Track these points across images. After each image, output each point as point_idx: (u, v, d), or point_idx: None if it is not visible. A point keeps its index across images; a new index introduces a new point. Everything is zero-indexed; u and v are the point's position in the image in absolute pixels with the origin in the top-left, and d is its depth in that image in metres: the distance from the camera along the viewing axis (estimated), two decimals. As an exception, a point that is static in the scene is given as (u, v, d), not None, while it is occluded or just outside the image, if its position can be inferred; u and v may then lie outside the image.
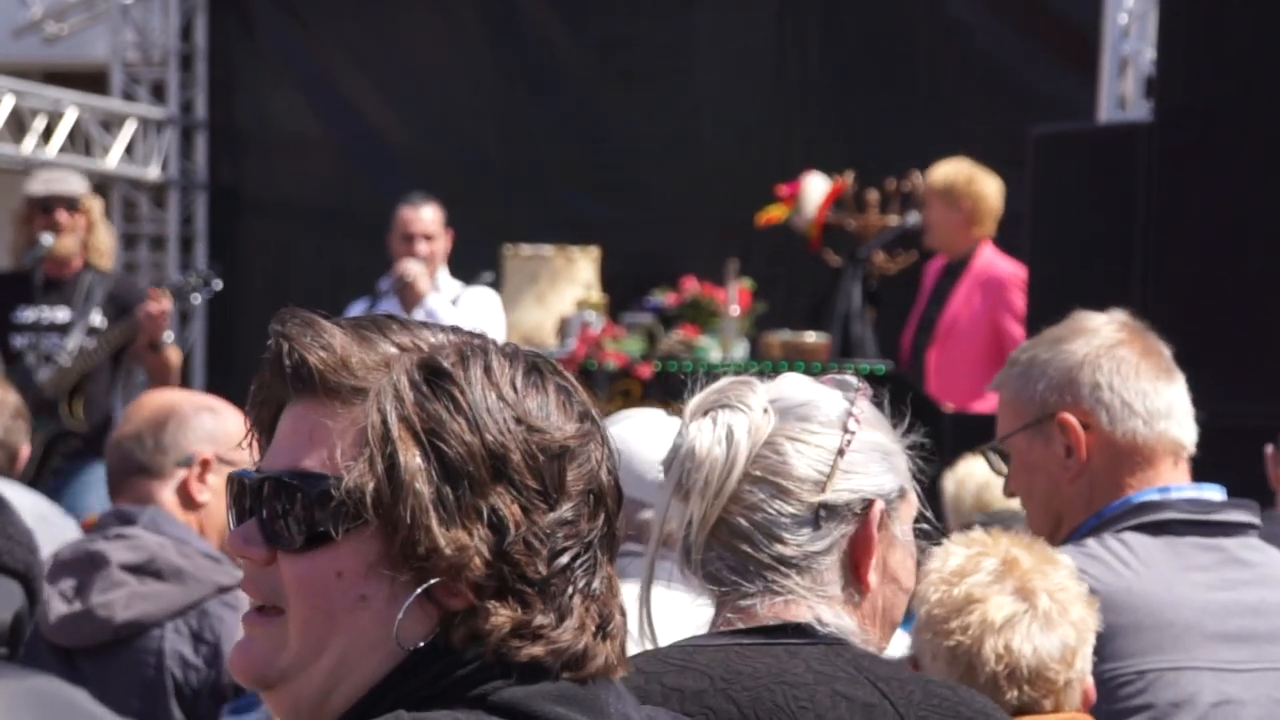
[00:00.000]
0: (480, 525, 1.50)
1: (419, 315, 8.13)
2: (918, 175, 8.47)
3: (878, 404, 2.18)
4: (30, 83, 10.45)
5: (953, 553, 2.64)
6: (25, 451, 4.72)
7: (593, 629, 1.53)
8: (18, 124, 10.08)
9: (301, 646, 1.52)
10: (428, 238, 8.30)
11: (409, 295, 8.21)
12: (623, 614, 1.57)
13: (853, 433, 2.11)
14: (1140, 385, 2.94)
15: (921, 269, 8.35)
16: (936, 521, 2.28)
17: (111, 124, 10.70)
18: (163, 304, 7.44)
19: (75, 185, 7.83)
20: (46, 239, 7.55)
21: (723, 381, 2.13)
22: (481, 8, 10.38)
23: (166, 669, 3.63)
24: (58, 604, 3.66)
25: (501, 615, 1.49)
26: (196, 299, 8.21)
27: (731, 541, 2.08)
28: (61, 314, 7.60)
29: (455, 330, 1.58)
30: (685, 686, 2.02)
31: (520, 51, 10.31)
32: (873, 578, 2.11)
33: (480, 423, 1.51)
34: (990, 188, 7.84)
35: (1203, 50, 6.20)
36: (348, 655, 1.52)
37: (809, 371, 2.22)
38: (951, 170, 7.89)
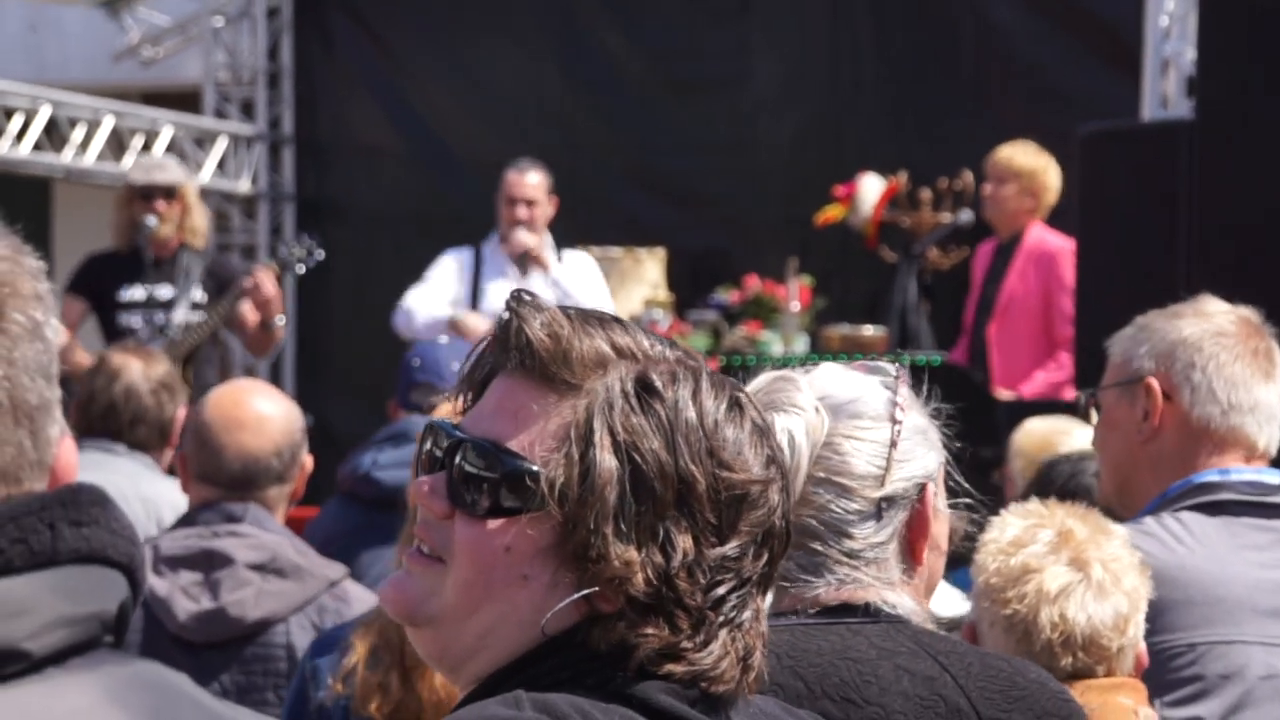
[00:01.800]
0: (653, 546, 1.49)
1: (541, 284, 8.05)
2: (968, 173, 8.42)
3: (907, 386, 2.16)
4: (129, 104, 10.56)
5: (1010, 524, 2.64)
6: (180, 415, 4.76)
7: (735, 658, 1.52)
8: (118, 143, 10.19)
9: (455, 603, 1.53)
10: (529, 203, 8.16)
11: (533, 265, 8.05)
12: (764, 643, 1.56)
13: (900, 423, 2.10)
14: (1232, 376, 2.93)
15: (970, 261, 8.31)
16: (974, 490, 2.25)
17: (204, 141, 10.80)
18: (274, 285, 7.49)
19: (174, 175, 7.95)
20: (150, 220, 7.64)
21: (763, 380, 2.09)
22: (545, 23, 10.40)
23: (299, 661, 3.64)
24: (184, 601, 3.66)
25: (650, 633, 1.49)
26: (300, 269, 8.21)
27: (801, 540, 2.06)
28: (165, 291, 7.68)
29: (673, 345, 1.57)
30: None
31: (582, 62, 10.33)
32: (926, 554, 2.10)
33: (677, 446, 1.50)
34: (1057, 179, 7.92)
35: (1241, 49, 6.15)
36: (496, 626, 1.53)
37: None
38: (1032, 156, 7.91)
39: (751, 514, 1.52)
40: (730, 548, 1.51)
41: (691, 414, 1.51)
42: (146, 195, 7.75)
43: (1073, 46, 9.17)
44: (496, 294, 8.04)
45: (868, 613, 2.06)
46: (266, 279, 7.51)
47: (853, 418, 2.09)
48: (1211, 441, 2.94)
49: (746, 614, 1.53)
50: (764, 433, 1.56)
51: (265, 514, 3.75)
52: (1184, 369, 2.94)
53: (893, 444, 2.09)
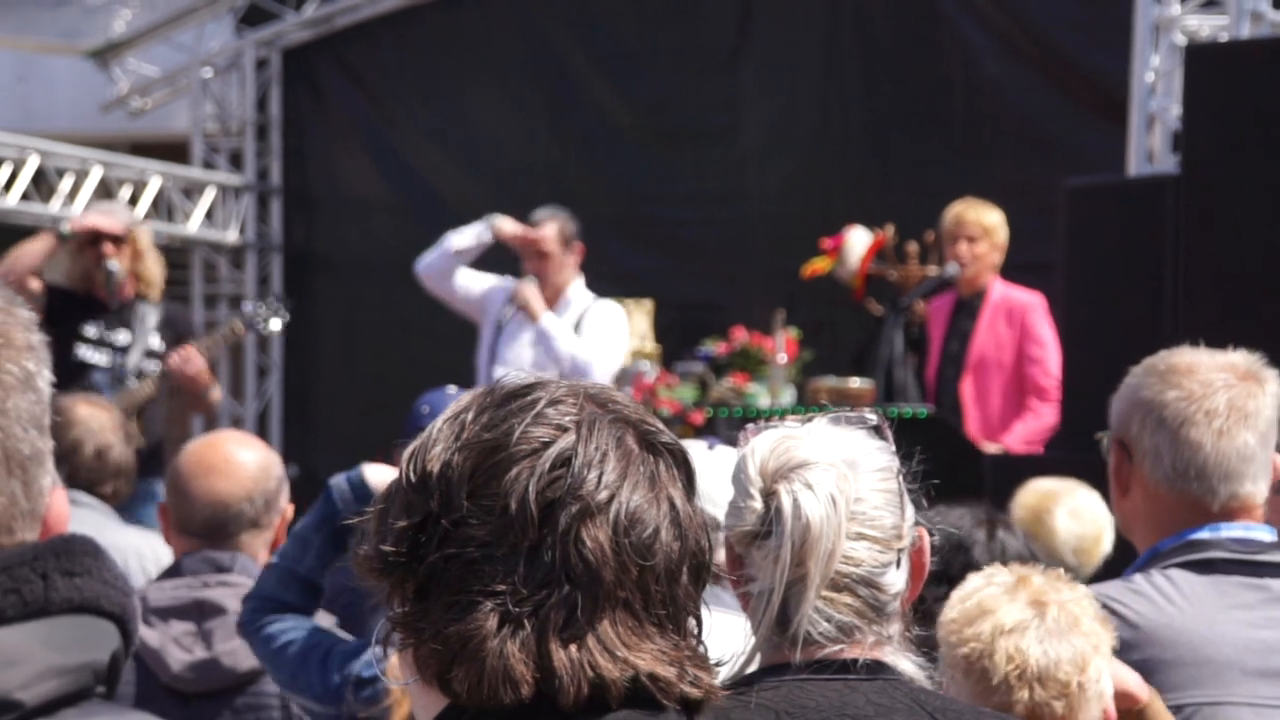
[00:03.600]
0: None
1: (528, 333, 8.13)
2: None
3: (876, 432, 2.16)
4: (117, 154, 10.58)
5: (971, 579, 2.64)
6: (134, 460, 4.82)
7: (458, 636, 1.48)
8: (106, 193, 10.21)
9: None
10: (540, 254, 8.20)
11: (522, 314, 8.17)
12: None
13: (900, 471, 2.09)
14: (1179, 440, 2.93)
15: (925, 316, 8.31)
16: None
17: (192, 191, 10.81)
18: (197, 364, 7.42)
19: (121, 221, 7.71)
20: (113, 265, 7.48)
21: (771, 442, 2.07)
22: (535, 75, 10.44)
23: (293, 711, 3.63)
24: (176, 652, 3.64)
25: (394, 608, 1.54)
26: (265, 328, 8.09)
27: (833, 596, 2.05)
28: (122, 336, 7.58)
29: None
30: None
31: (572, 114, 10.36)
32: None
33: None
34: (1007, 233, 7.93)
35: (1226, 105, 6.19)
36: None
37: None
38: (993, 212, 7.91)
39: (487, 485, 1.49)
40: (452, 519, 1.49)
41: (449, 424, 1.54)
42: (94, 240, 7.51)
43: (1061, 101, 9.23)
44: (507, 337, 8.23)
45: (865, 669, 2.05)
46: (189, 362, 7.38)
47: (868, 472, 2.08)
48: (1167, 505, 2.96)
49: (476, 590, 1.47)
50: (540, 418, 1.51)
51: (252, 562, 3.72)
52: (1138, 433, 2.97)
53: (901, 495, 2.09)
